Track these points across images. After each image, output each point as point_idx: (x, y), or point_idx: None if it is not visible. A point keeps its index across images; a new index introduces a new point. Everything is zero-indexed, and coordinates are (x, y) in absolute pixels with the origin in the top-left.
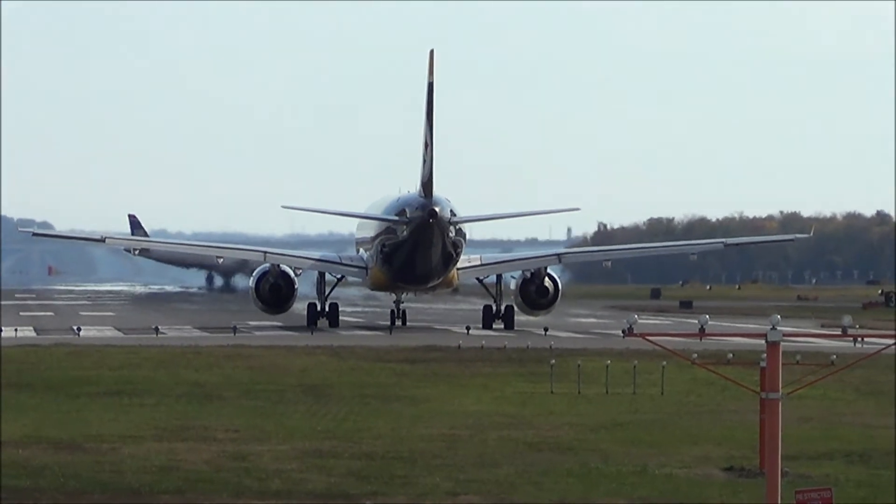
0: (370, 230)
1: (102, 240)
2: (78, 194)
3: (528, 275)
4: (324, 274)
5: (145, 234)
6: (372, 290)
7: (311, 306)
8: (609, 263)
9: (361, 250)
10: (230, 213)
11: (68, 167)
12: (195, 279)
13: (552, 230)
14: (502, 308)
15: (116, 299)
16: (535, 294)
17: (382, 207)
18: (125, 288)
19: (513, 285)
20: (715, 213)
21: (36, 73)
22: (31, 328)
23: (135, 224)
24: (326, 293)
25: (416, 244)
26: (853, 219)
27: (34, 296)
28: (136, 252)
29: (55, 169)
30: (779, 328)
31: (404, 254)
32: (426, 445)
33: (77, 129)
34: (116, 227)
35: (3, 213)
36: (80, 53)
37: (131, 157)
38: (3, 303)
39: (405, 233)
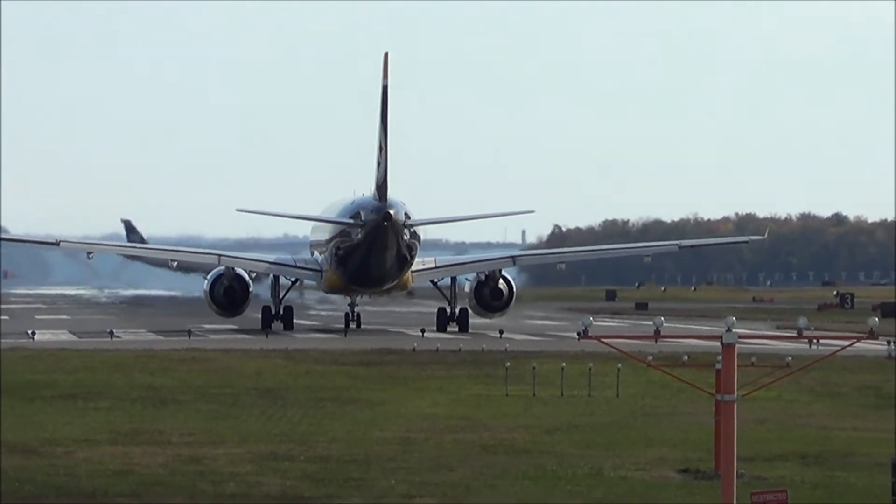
0: (325, 233)
1: (57, 243)
2: (32, 198)
3: (483, 277)
4: (278, 277)
5: (141, 239)
6: (327, 292)
7: (266, 309)
8: (564, 265)
9: (316, 253)
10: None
11: (21, 171)
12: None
13: (507, 232)
14: (457, 311)
15: (72, 303)
16: (490, 296)
17: (337, 210)
18: (82, 292)
19: (467, 288)
20: (670, 215)
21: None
22: None
23: (130, 229)
24: (281, 296)
25: (370, 247)
26: (808, 220)
27: None
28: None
29: (8, 172)
30: (734, 330)
31: (359, 256)
32: (381, 448)
33: (29, 132)
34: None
35: None
36: (31, 55)
37: (85, 161)
38: None
39: (360, 235)
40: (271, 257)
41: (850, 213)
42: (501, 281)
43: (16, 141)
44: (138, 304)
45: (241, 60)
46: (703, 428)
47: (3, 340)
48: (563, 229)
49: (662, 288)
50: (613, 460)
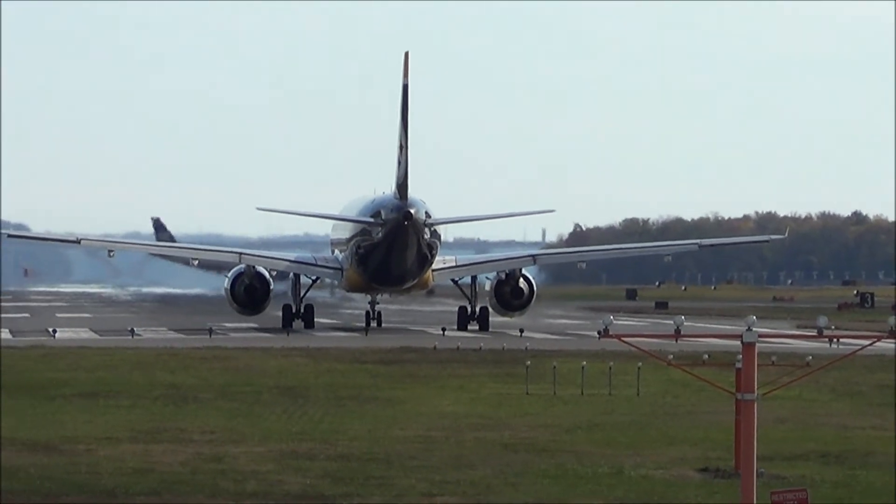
0: (345, 232)
1: (78, 241)
2: (53, 196)
3: (503, 276)
4: (299, 276)
5: (171, 237)
6: (347, 291)
7: (287, 308)
8: (584, 264)
9: (337, 251)
10: (206, 215)
11: (44, 168)
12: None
13: (527, 231)
14: (477, 309)
15: (93, 301)
16: (510, 295)
17: (358, 209)
18: (103, 290)
19: (488, 286)
20: (690, 214)
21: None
22: (7, 330)
23: (159, 227)
24: (302, 295)
25: (391, 245)
26: (828, 219)
27: (10, 298)
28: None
29: (30, 170)
30: (754, 329)
31: (379, 255)
32: (402, 447)
33: (52, 130)
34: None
35: None
36: (52, 53)
37: (106, 159)
38: None
39: (380, 234)
40: (292, 256)
41: (870, 211)
42: (522, 280)
43: (37, 138)
44: (160, 303)
45: (262, 59)
46: (723, 427)
47: (24, 338)
48: (584, 228)
49: (683, 287)
50: (634, 459)
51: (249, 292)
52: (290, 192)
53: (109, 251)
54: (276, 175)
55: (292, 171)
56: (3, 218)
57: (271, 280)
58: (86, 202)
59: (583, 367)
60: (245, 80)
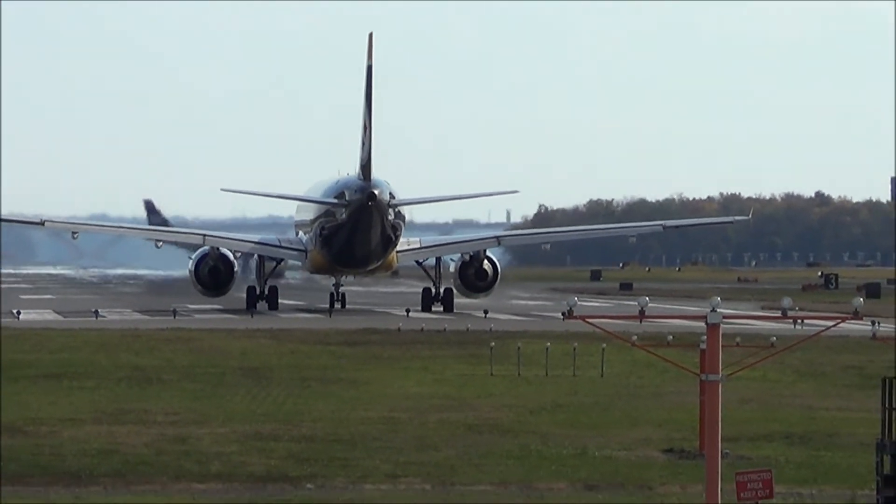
0: (310, 213)
1: (41, 223)
2: (17, 178)
3: (468, 258)
4: (263, 257)
5: (164, 220)
6: (311, 272)
7: (251, 289)
8: (549, 246)
9: (301, 233)
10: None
11: (6, 151)
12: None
13: (492, 213)
14: (442, 291)
15: (56, 282)
16: (475, 277)
17: (322, 190)
18: (67, 272)
19: (452, 268)
20: (655, 195)
21: None
22: None
23: (151, 210)
24: (265, 276)
25: (355, 227)
26: (792, 200)
27: None
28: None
29: None
30: (719, 310)
31: (343, 236)
32: (366, 428)
33: (15, 115)
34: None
35: None
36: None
37: (71, 140)
38: None
39: (344, 215)
40: (256, 237)
41: (833, 192)
42: (486, 261)
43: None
44: (123, 284)
45: (228, 41)
46: (687, 408)
47: None
48: (548, 209)
49: (647, 268)
50: (598, 440)
51: (214, 274)
52: (255, 173)
53: (73, 233)
54: (242, 157)
55: (257, 153)
56: None
57: (235, 262)
58: (50, 184)
59: (547, 349)
60: (210, 62)
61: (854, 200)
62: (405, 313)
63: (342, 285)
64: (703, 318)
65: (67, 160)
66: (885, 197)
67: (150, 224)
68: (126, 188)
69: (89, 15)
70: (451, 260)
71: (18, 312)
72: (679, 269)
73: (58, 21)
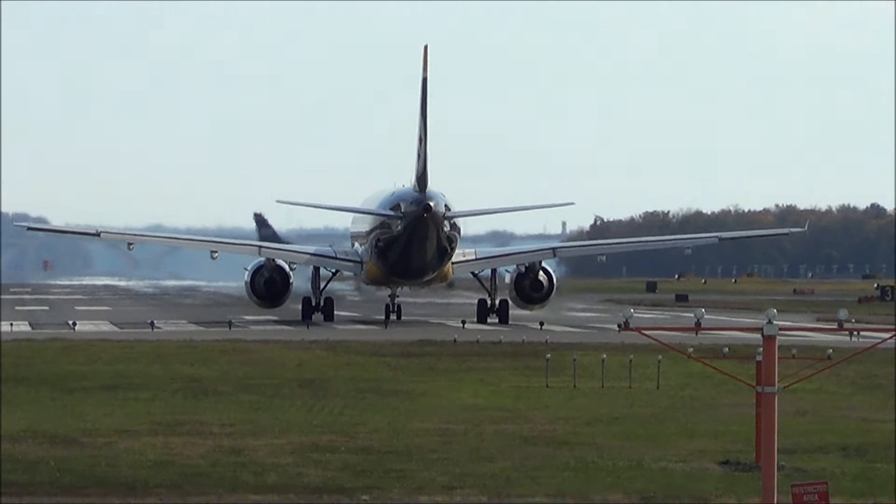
0: (365, 225)
1: (97, 234)
2: (73, 190)
3: (523, 269)
4: (319, 269)
5: (274, 233)
6: (367, 284)
7: (306, 301)
8: (604, 257)
9: (357, 245)
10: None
11: (63, 162)
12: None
13: (547, 224)
14: (497, 302)
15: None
16: (530, 288)
17: (377, 202)
18: (122, 283)
19: (507, 279)
20: (710, 207)
21: (28, 68)
22: (27, 323)
23: (261, 223)
24: (321, 288)
25: (410, 238)
26: (848, 212)
27: (29, 290)
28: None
29: (50, 164)
30: (775, 322)
31: (399, 248)
32: (422, 440)
33: (73, 125)
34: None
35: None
36: (73, 48)
37: (127, 153)
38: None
39: (400, 227)
40: (312, 249)
41: (889, 204)
42: (542, 273)
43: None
44: (179, 295)
45: (283, 54)
46: (743, 420)
47: (43, 331)
48: (604, 221)
49: (703, 280)
50: (654, 452)
51: (269, 285)
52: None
53: (129, 244)
54: (297, 169)
55: (314, 164)
56: (24, 211)
57: (291, 273)
58: (106, 195)
59: (603, 360)
60: (265, 72)
61: None
62: (461, 325)
63: (398, 297)
64: (760, 329)
65: (122, 171)
66: None
67: (260, 237)
68: (180, 199)
69: (139, 23)
70: (507, 271)
71: (74, 323)
72: (735, 281)
73: (107, 28)
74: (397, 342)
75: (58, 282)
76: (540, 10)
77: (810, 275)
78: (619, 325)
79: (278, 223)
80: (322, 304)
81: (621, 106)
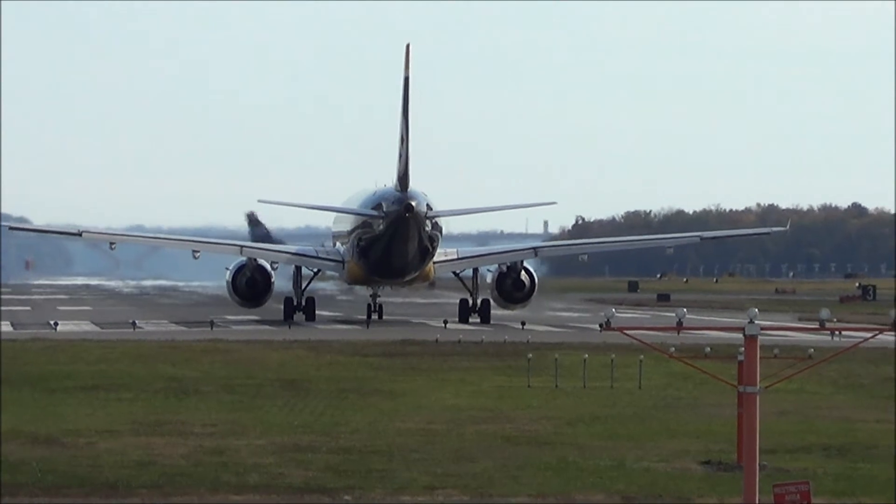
0: (347, 224)
1: (79, 233)
2: (54, 189)
3: (505, 269)
4: (300, 268)
5: (266, 233)
6: (349, 283)
7: (288, 300)
8: (586, 257)
9: (338, 244)
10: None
11: (45, 162)
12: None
13: (529, 224)
14: (479, 302)
15: (94, 294)
16: (512, 288)
17: (359, 201)
18: (104, 282)
19: (489, 279)
20: (692, 206)
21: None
22: (8, 323)
23: (253, 222)
24: (303, 287)
25: (392, 238)
26: (830, 211)
27: (11, 291)
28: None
29: (31, 164)
30: (756, 322)
31: (381, 247)
32: (404, 440)
33: (53, 125)
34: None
35: None
36: (53, 49)
37: (107, 153)
38: None
39: (381, 227)
40: (293, 248)
41: (870, 204)
42: (523, 272)
43: (37, 132)
44: (160, 295)
45: (262, 51)
46: (725, 420)
47: (25, 331)
48: (586, 220)
49: (685, 279)
50: (636, 452)
51: (251, 285)
52: (293, 185)
53: (111, 243)
54: (278, 168)
55: (294, 164)
56: (5, 211)
57: (272, 273)
58: (87, 195)
59: (584, 360)
60: (245, 72)
61: (891, 212)
62: (443, 325)
63: (380, 296)
64: (741, 329)
65: (104, 171)
66: None
67: (253, 236)
68: (162, 199)
69: (121, 27)
70: (489, 271)
71: (56, 323)
72: (717, 281)
73: (89, 30)
74: (379, 342)
75: (39, 281)
76: (525, 9)
77: (792, 274)
78: (600, 325)
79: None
80: (304, 303)
81: (603, 105)
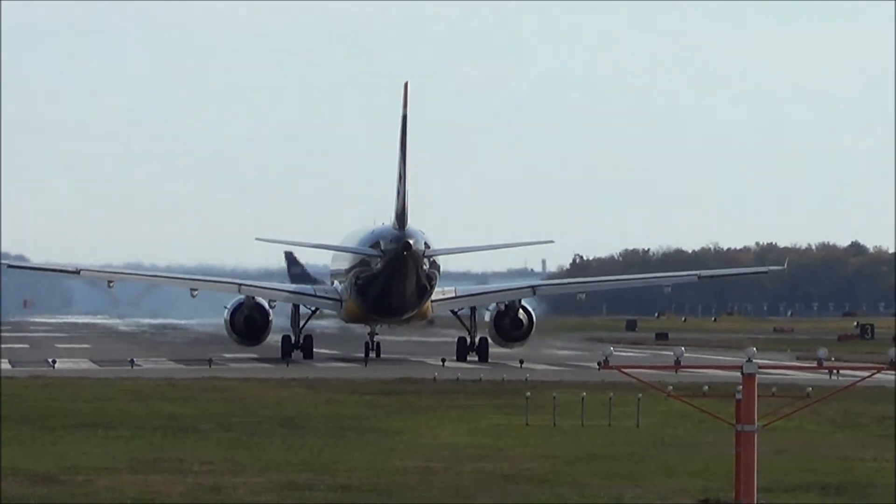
0: (345, 262)
1: (77, 271)
2: (52, 227)
3: (503, 307)
4: (298, 306)
5: (303, 271)
6: (346, 322)
7: (286, 338)
8: (584, 295)
9: (336, 282)
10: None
11: (42, 199)
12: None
13: (527, 262)
14: (477, 340)
15: (93, 332)
16: (510, 326)
17: (357, 239)
18: (103, 320)
19: (487, 317)
20: (691, 245)
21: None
22: (6, 360)
23: (292, 261)
24: (301, 325)
25: (390, 276)
26: (828, 250)
27: (9, 328)
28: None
29: (29, 201)
30: (754, 360)
31: (379, 286)
32: (401, 478)
33: (50, 162)
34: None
35: None
36: (56, 86)
37: (105, 190)
38: None
39: (379, 265)
40: (291, 286)
41: (869, 242)
42: (521, 311)
43: (36, 170)
44: (159, 333)
45: (262, 89)
46: (723, 458)
47: (23, 369)
48: (584, 259)
49: (683, 318)
50: (634, 490)
51: (249, 323)
52: (291, 223)
53: (109, 281)
54: (276, 206)
55: (292, 202)
56: (3, 249)
57: (271, 311)
58: (85, 233)
59: (583, 399)
60: (244, 109)
61: (890, 251)
62: (441, 363)
63: (377, 334)
64: (739, 368)
65: (102, 209)
66: None
67: (291, 275)
68: (159, 237)
69: (118, 64)
70: (487, 309)
71: (54, 361)
72: (715, 319)
73: (86, 68)
74: (377, 380)
75: (38, 319)
76: (525, 48)
77: (790, 313)
78: (598, 364)
79: (256, 262)
80: (301, 341)
81: (600, 143)
